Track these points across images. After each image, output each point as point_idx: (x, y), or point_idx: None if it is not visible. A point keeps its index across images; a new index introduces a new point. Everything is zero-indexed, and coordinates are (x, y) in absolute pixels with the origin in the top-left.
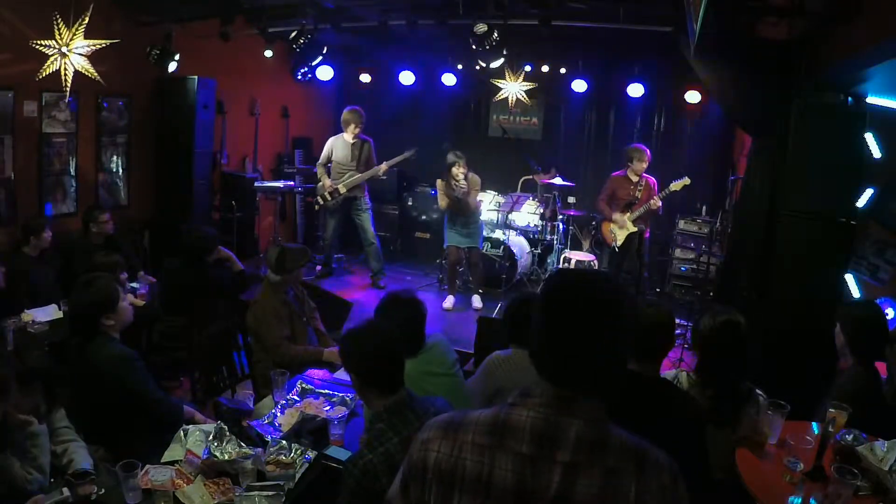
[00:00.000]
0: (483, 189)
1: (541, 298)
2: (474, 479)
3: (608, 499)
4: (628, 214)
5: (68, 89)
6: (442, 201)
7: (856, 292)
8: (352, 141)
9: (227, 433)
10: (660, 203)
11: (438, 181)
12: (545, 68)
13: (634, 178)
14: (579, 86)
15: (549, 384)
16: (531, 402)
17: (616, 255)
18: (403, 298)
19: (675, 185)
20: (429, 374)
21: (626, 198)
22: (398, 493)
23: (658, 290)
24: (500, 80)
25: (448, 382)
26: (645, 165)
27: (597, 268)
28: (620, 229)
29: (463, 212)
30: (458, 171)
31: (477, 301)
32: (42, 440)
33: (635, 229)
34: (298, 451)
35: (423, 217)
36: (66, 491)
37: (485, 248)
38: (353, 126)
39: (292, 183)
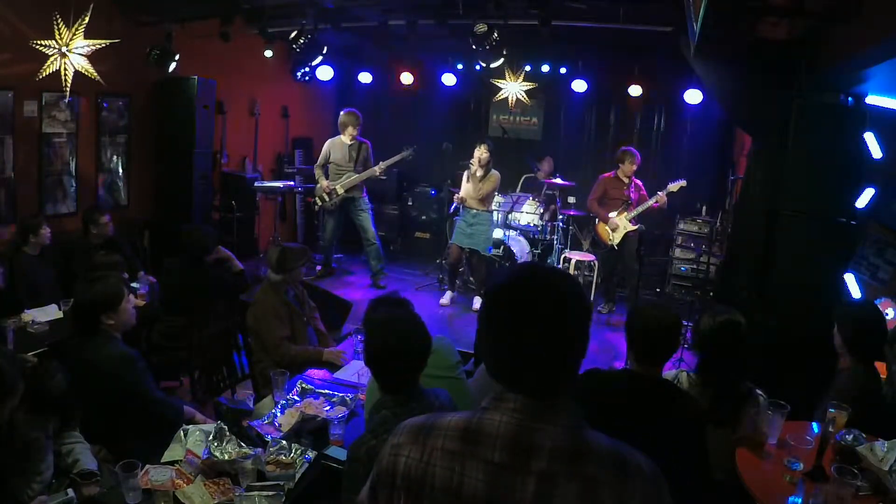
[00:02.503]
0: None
1: (490, 298)
2: (444, 488)
3: None
4: (625, 214)
5: (68, 89)
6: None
7: (856, 292)
8: (349, 142)
9: (227, 433)
10: (665, 198)
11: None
12: (545, 68)
13: (625, 180)
14: (579, 86)
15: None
16: (505, 407)
17: (612, 255)
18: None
19: (673, 187)
20: (427, 375)
21: (621, 197)
22: (367, 499)
23: (658, 290)
24: (500, 80)
25: (448, 385)
26: (635, 168)
27: (596, 267)
28: (616, 229)
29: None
30: (478, 153)
31: (477, 303)
32: (48, 455)
33: (634, 228)
34: (298, 451)
35: (423, 217)
36: (70, 492)
37: (493, 254)
38: (350, 128)
39: (292, 183)
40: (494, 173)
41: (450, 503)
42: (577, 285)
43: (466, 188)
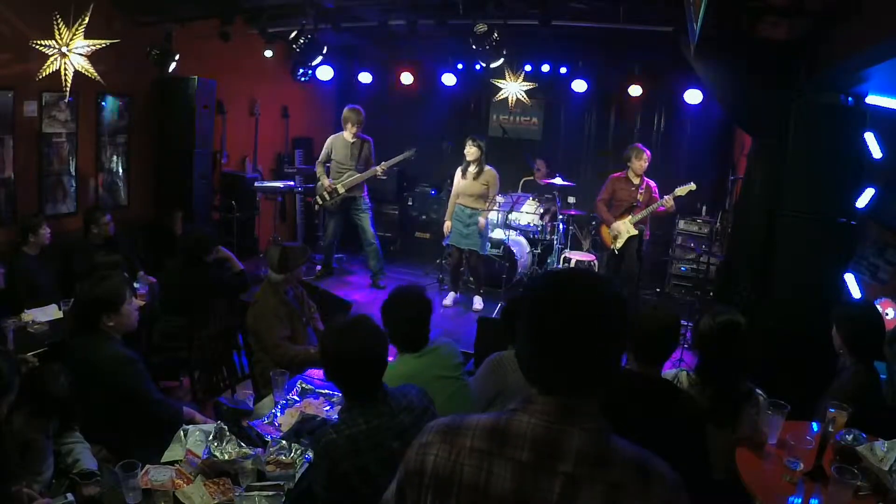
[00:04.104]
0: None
1: (530, 301)
2: (472, 486)
3: None
4: (629, 218)
5: (68, 89)
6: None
7: (856, 292)
8: (351, 140)
9: (227, 433)
10: (672, 203)
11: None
12: (545, 68)
13: (636, 180)
14: (579, 86)
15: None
16: (533, 409)
17: (614, 258)
18: (412, 294)
19: (681, 190)
20: (437, 377)
21: (629, 199)
22: (393, 498)
23: (658, 290)
24: (500, 80)
25: (451, 386)
26: (644, 164)
27: (596, 268)
28: (619, 235)
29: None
30: (467, 149)
31: (478, 302)
32: (48, 456)
33: (636, 232)
34: (298, 451)
35: (423, 217)
36: (69, 496)
37: (493, 254)
38: (352, 125)
39: (292, 183)
40: (489, 170)
41: (477, 500)
42: (617, 290)
43: (463, 185)
